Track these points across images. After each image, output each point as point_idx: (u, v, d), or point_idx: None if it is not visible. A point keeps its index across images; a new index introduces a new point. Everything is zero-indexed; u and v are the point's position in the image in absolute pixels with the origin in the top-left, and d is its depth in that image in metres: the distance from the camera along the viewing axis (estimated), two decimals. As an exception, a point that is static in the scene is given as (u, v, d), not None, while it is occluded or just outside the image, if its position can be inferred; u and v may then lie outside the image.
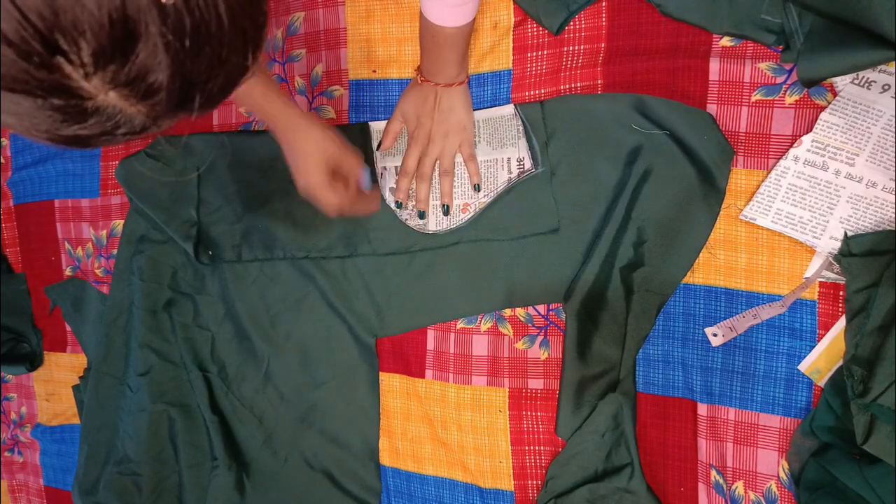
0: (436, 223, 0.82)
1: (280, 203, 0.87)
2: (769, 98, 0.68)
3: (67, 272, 1.06)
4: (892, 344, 0.61)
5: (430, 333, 0.84)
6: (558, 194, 0.77)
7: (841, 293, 0.67)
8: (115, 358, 0.98)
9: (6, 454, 1.16)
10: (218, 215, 0.91)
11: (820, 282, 0.68)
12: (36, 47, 0.28)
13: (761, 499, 0.71)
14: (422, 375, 0.85)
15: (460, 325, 0.82)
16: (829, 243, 0.67)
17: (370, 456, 0.88)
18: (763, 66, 0.68)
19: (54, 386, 1.10)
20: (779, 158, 0.68)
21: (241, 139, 0.90)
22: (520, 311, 0.80)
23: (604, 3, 0.74)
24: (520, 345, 0.80)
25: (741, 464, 0.72)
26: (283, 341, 0.90)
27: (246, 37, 0.34)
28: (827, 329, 0.68)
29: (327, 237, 0.84)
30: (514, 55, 0.78)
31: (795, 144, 0.67)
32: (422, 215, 0.82)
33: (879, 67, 0.64)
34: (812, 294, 0.68)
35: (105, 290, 1.01)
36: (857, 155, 0.66)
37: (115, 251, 0.99)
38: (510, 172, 0.79)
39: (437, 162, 0.80)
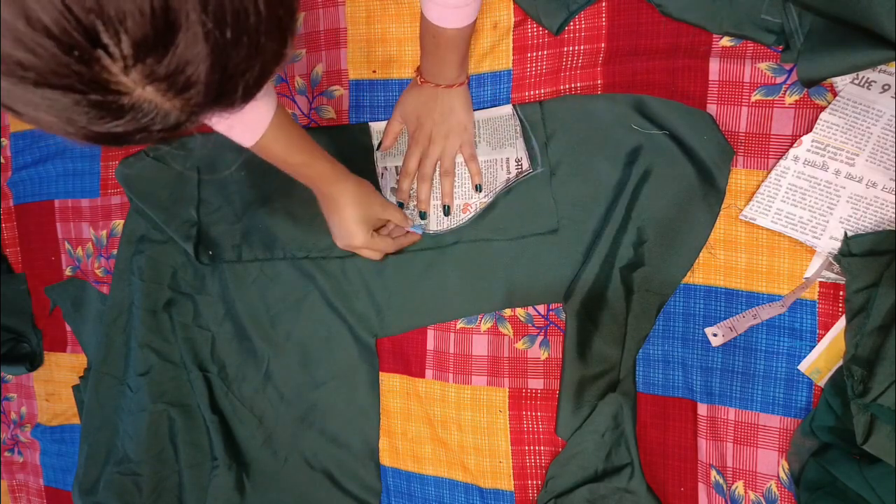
0: (436, 223, 0.82)
1: (280, 203, 0.87)
2: (769, 98, 0.68)
3: (67, 272, 1.06)
4: (892, 344, 0.61)
5: (430, 333, 0.84)
6: (558, 194, 0.77)
7: (841, 293, 0.67)
8: (115, 358, 0.98)
9: (6, 454, 1.16)
10: (218, 215, 0.91)
11: (820, 282, 0.68)
12: (78, 39, 0.26)
13: (761, 499, 0.71)
14: (422, 375, 0.85)
15: (460, 325, 0.82)
16: (829, 243, 0.67)
17: (370, 456, 0.88)
18: (763, 66, 0.68)
19: (54, 386, 1.09)
20: (779, 158, 0.68)
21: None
22: (520, 311, 0.80)
23: (604, 4, 0.74)
24: (520, 345, 0.80)
25: (741, 464, 0.71)
26: (283, 341, 0.90)
27: (281, 24, 0.32)
28: (827, 329, 0.68)
29: (327, 237, 0.84)
30: (514, 55, 0.78)
31: (795, 144, 0.67)
32: (423, 215, 0.82)
33: (879, 67, 0.64)
34: (812, 294, 0.69)
35: (105, 290, 1.01)
36: (857, 155, 0.66)
37: (115, 251, 0.99)
38: (509, 173, 0.79)
39: (438, 162, 0.80)
